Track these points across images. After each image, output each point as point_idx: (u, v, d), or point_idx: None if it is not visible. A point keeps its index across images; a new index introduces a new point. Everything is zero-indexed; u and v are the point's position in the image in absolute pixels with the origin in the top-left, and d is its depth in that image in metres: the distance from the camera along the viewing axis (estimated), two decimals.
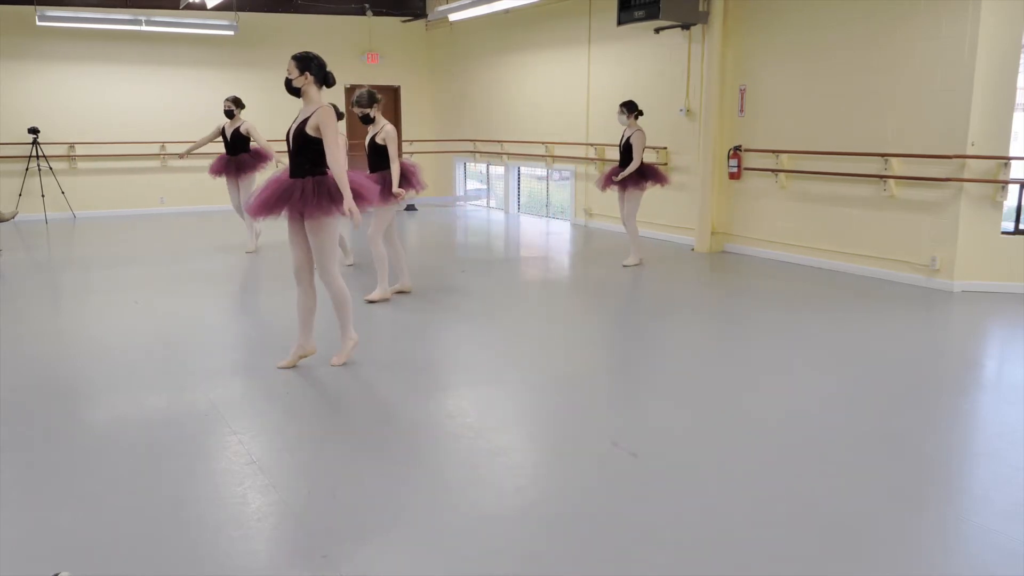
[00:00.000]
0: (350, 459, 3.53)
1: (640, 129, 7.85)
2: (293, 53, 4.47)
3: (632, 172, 7.79)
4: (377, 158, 6.18)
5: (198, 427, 3.86)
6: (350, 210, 4.32)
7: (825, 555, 2.71)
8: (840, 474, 3.34)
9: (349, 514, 2.98)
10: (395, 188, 6.04)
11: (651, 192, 9.92)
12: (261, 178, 6.57)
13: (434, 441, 3.74)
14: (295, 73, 4.41)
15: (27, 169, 11.66)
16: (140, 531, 2.86)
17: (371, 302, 6.36)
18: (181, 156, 9.29)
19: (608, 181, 8.03)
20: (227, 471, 3.37)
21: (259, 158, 8.63)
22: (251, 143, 8.56)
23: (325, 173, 4.45)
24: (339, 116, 7.04)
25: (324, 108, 4.38)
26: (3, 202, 11.50)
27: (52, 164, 11.76)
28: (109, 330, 5.71)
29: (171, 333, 5.82)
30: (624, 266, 8.06)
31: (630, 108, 7.88)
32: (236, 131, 8.49)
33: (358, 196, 4.53)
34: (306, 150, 4.42)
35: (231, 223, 10.97)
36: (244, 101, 8.74)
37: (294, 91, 4.45)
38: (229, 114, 8.52)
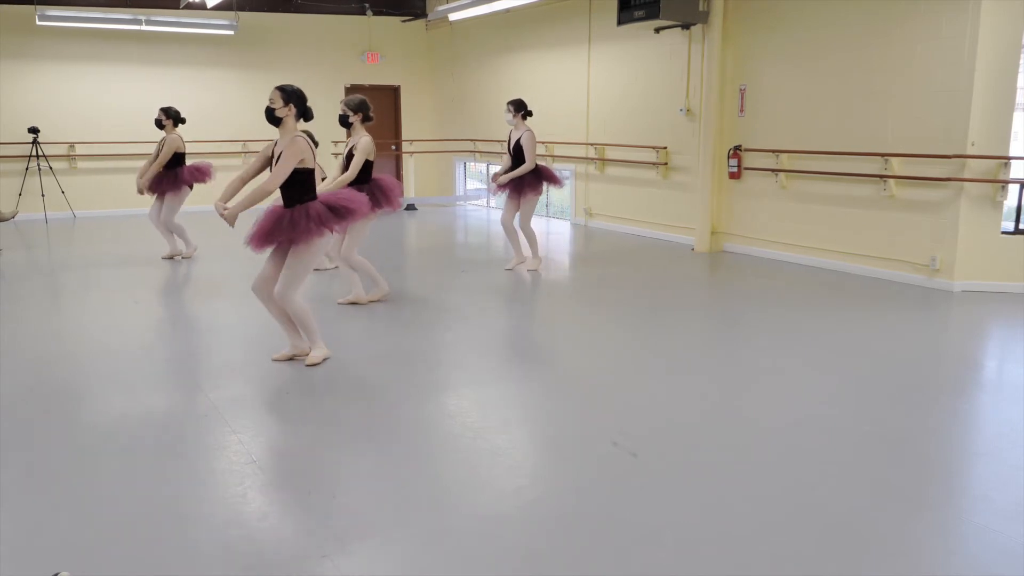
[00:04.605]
0: (350, 459, 3.53)
1: (529, 129, 7.47)
2: (279, 84, 4.58)
3: (528, 175, 7.42)
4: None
5: (198, 427, 3.86)
6: (226, 215, 4.45)
7: (825, 555, 2.70)
8: (840, 474, 3.33)
9: (349, 514, 2.98)
10: (329, 182, 5.91)
11: (651, 192, 9.98)
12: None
13: (434, 441, 3.74)
14: (279, 103, 4.51)
15: (27, 169, 11.66)
16: (140, 531, 2.86)
17: (374, 301, 6.38)
18: (142, 191, 8.27)
19: (509, 184, 7.55)
20: (227, 471, 3.37)
21: (196, 174, 8.22)
22: (186, 158, 8.22)
23: (314, 198, 4.60)
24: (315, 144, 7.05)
25: (296, 139, 4.48)
26: (3, 202, 11.50)
27: (52, 164, 11.76)
28: (109, 330, 5.71)
29: (171, 333, 5.82)
30: (528, 270, 7.77)
31: (518, 107, 7.46)
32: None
33: (348, 212, 4.66)
34: (290, 183, 4.53)
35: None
36: (182, 112, 8.28)
37: (275, 120, 4.54)
38: (159, 124, 8.20)
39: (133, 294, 6.84)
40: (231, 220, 4.50)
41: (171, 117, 8.21)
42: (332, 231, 4.64)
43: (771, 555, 2.70)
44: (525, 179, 7.49)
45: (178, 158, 8.23)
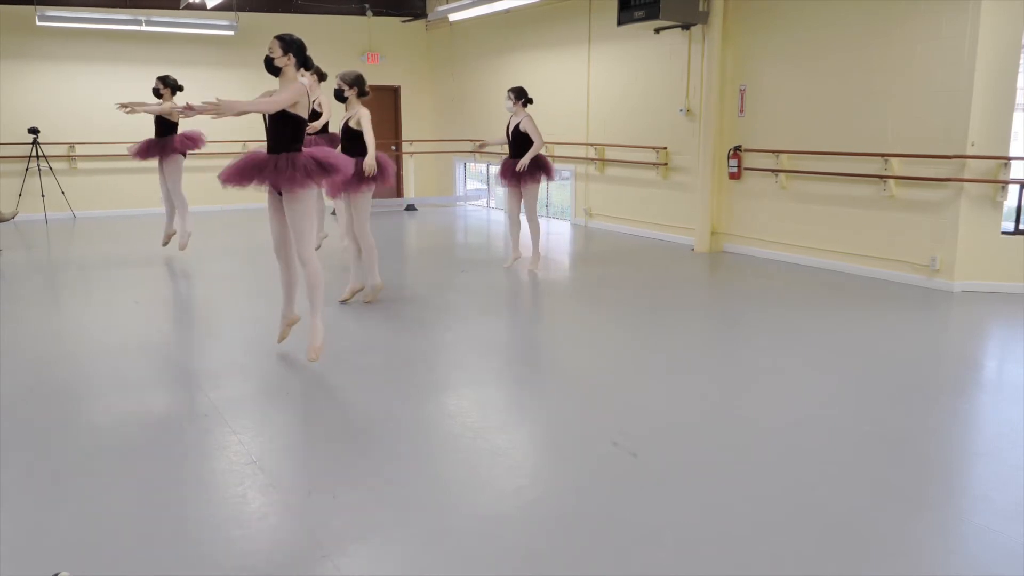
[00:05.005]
0: (350, 459, 3.53)
1: (529, 115, 7.44)
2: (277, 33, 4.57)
3: (528, 166, 7.35)
4: (351, 143, 6.00)
5: (198, 427, 3.86)
6: (218, 102, 4.12)
7: (825, 555, 2.71)
8: (840, 474, 3.33)
9: (349, 514, 2.98)
10: (369, 160, 5.80)
11: (651, 192, 9.98)
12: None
13: (434, 441, 3.74)
14: (278, 53, 4.51)
15: (27, 169, 11.66)
16: (140, 531, 2.86)
17: (368, 302, 6.34)
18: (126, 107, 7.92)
19: (509, 173, 7.50)
20: (227, 471, 3.37)
21: (187, 142, 8.25)
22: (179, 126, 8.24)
23: (299, 150, 4.56)
24: (322, 77, 7.51)
25: (298, 84, 4.49)
26: (3, 202, 11.50)
27: (52, 164, 11.75)
28: (109, 330, 5.71)
29: (171, 333, 5.82)
30: (530, 269, 7.69)
31: (518, 95, 7.44)
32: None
33: (332, 168, 4.59)
34: (281, 126, 4.51)
35: (231, 223, 10.98)
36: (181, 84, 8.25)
37: (274, 70, 4.54)
38: (156, 93, 8.20)
39: (133, 294, 6.83)
40: (218, 108, 4.09)
41: (169, 86, 8.23)
42: (318, 185, 4.60)
43: (771, 555, 2.70)
44: (527, 169, 7.43)
45: (172, 126, 8.23)
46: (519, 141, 7.44)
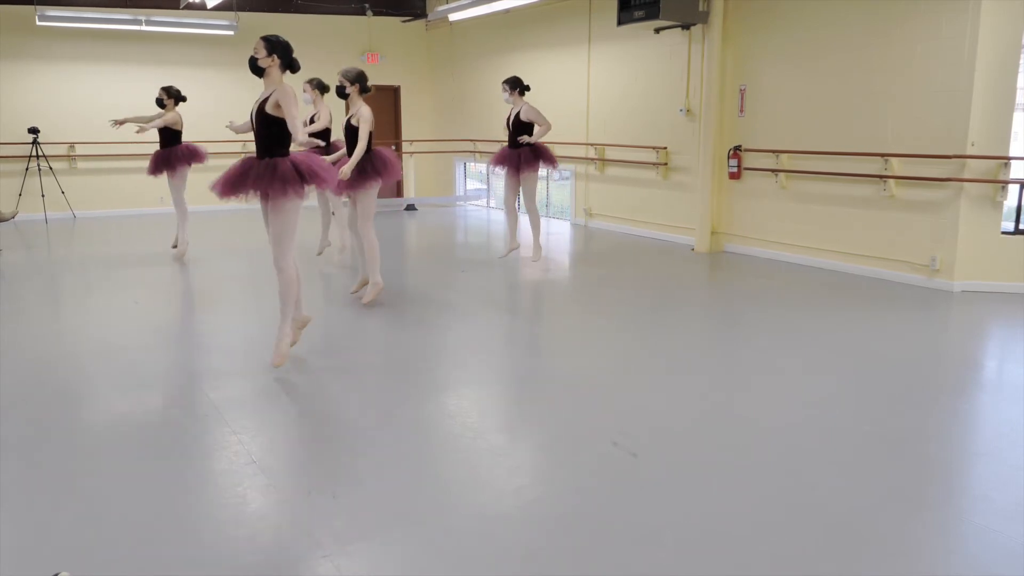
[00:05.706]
0: (350, 459, 3.53)
1: (528, 103, 7.48)
2: (263, 35, 4.54)
3: (525, 151, 7.42)
4: (354, 142, 5.98)
5: (198, 427, 3.86)
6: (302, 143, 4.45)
7: (825, 555, 2.71)
8: (840, 474, 3.34)
9: (349, 514, 2.98)
10: (344, 169, 5.74)
11: (651, 192, 9.98)
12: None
13: (434, 441, 3.74)
14: (262, 53, 4.47)
15: (27, 169, 11.66)
16: (140, 531, 2.86)
17: (366, 303, 6.27)
18: (119, 123, 8.20)
19: (509, 160, 7.57)
20: (227, 471, 3.37)
21: (190, 155, 8.20)
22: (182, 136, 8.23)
23: (284, 155, 4.51)
24: (324, 89, 7.55)
25: (284, 86, 4.45)
26: (3, 202, 11.50)
27: (52, 164, 11.76)
28: (109, 330, 5.71)
29: (171, 333, 5.82)
30: (533, 261, 7.62)
31: (513, 85, 7.51)
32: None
33: (315, 177, 4.55)
34: (266, 130, 4.49)
35: (232, 224, 10.98)
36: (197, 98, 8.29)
37: (258, 71, 4.51)
38: (160, 103, 8.17)
39: (133, 294, 6.83)
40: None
41: (172, 96, 8.19)
42: (299, 195, 4.52)
43: (771, 555, 2.70)
44: (522, 156, 7.47)
45: (176, 136, 8.20)
46: (519, 130, 7.49)
